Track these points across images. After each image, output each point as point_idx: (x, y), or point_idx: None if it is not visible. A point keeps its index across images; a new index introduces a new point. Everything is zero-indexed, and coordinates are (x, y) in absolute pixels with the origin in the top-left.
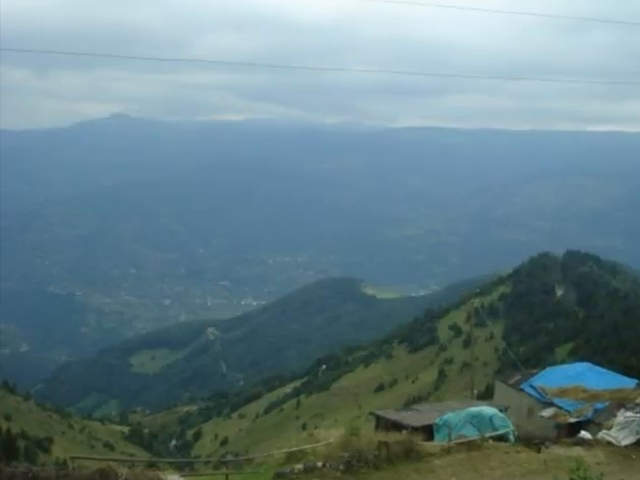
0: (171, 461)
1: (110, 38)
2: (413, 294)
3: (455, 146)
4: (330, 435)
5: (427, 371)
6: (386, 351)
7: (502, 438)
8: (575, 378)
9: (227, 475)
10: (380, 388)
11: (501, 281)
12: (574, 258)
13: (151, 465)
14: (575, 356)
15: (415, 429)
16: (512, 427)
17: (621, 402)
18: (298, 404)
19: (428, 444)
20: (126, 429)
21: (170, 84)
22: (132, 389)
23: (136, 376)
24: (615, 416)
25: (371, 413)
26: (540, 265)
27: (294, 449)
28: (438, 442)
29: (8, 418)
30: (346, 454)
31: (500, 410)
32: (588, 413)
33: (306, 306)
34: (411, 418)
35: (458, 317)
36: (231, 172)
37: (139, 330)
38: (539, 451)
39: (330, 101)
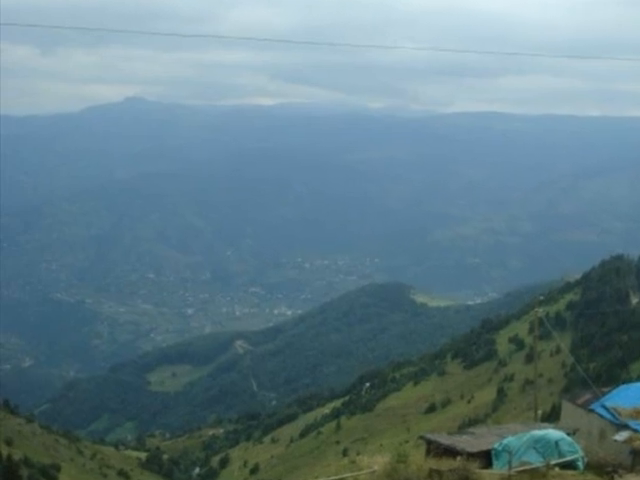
0: None
1: (124, 12)
2: (469, 302)
3: (516, 133)
4: (374, 462)
5: (484, 390)
6: (438, 367)
7: (570, 465)
8: None
9: None
10: (431, 409)
11: (568, 287)
12: None
13: None
14: None
15: (471, 455)
16: (581, 453)
17: None
18: (338, 427)
19: (486, 472)
20: (143, 455)
21: (193, 64)
22: (150, 410)
23: (154, 395)
24: None
25: (421, 437)
26: (613, 269)
27: (333, 478)
28: (497, 470)
29: (9, 442)
30: None
31: (567, 434)
32: None
33: (347, 316)
34: (466, 443)
35: (520, 328)
36: (263, 163)
37: (158, 343)
38: None
39: (375, 83)
